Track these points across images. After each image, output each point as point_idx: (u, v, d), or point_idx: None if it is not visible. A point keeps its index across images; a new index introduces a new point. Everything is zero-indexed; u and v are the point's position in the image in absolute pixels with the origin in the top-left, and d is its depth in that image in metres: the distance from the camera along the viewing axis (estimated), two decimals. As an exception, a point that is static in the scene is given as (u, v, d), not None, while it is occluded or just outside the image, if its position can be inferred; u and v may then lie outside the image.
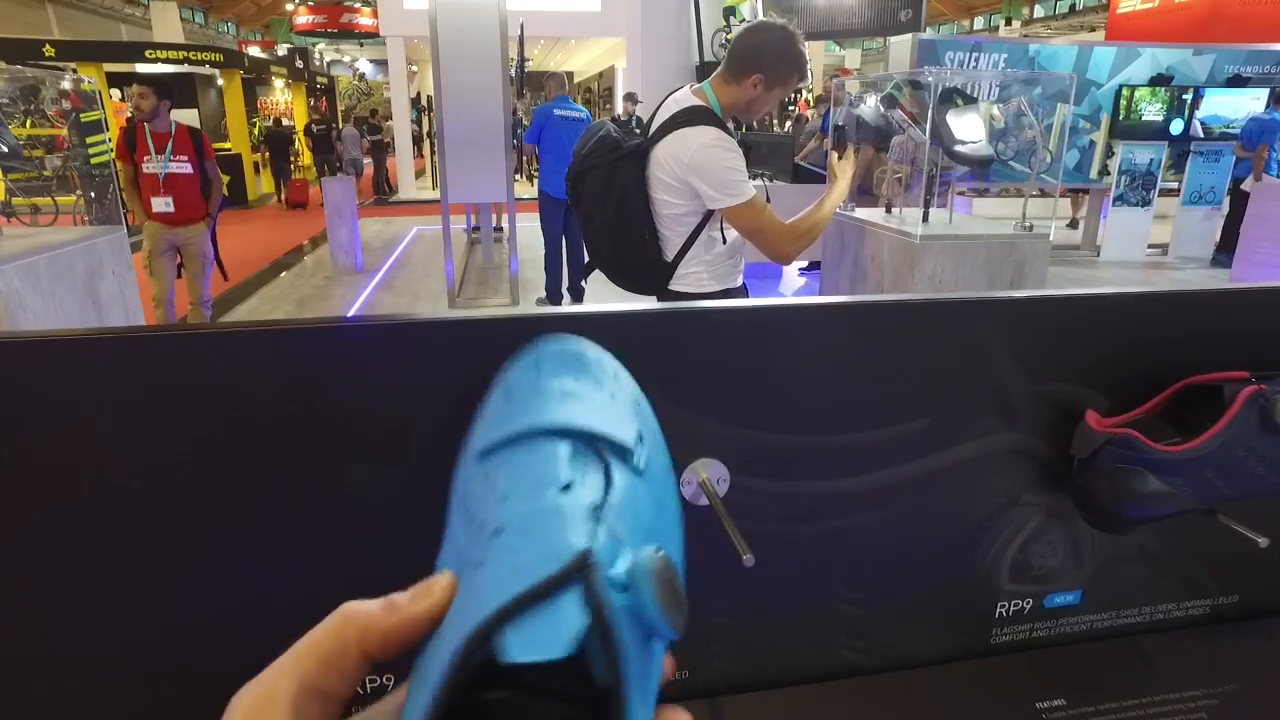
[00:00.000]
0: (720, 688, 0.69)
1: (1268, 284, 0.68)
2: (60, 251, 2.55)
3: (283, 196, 14.26)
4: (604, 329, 0.55)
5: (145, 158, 4.44)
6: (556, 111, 6.31)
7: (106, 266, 2.79)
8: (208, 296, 5.12)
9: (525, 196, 7.11)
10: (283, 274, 8.49)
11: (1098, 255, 9.15)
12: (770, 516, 0.64)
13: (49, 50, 12.93)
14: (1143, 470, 0.61)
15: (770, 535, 0.64)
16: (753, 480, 0.63)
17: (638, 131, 2.42)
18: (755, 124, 10.99)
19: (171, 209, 4.45)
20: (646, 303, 0.55)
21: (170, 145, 4.46)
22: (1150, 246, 9.09)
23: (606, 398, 0.33)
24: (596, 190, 2.31)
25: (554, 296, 6.87)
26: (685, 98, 2.30)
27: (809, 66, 2.27)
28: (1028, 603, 0.73)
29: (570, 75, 26.68)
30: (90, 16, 21.49)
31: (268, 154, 15.49)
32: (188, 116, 17.91)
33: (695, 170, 2.16)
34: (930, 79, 2.65)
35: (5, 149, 3.28)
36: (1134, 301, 0.65)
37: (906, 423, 0.64)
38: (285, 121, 17.93)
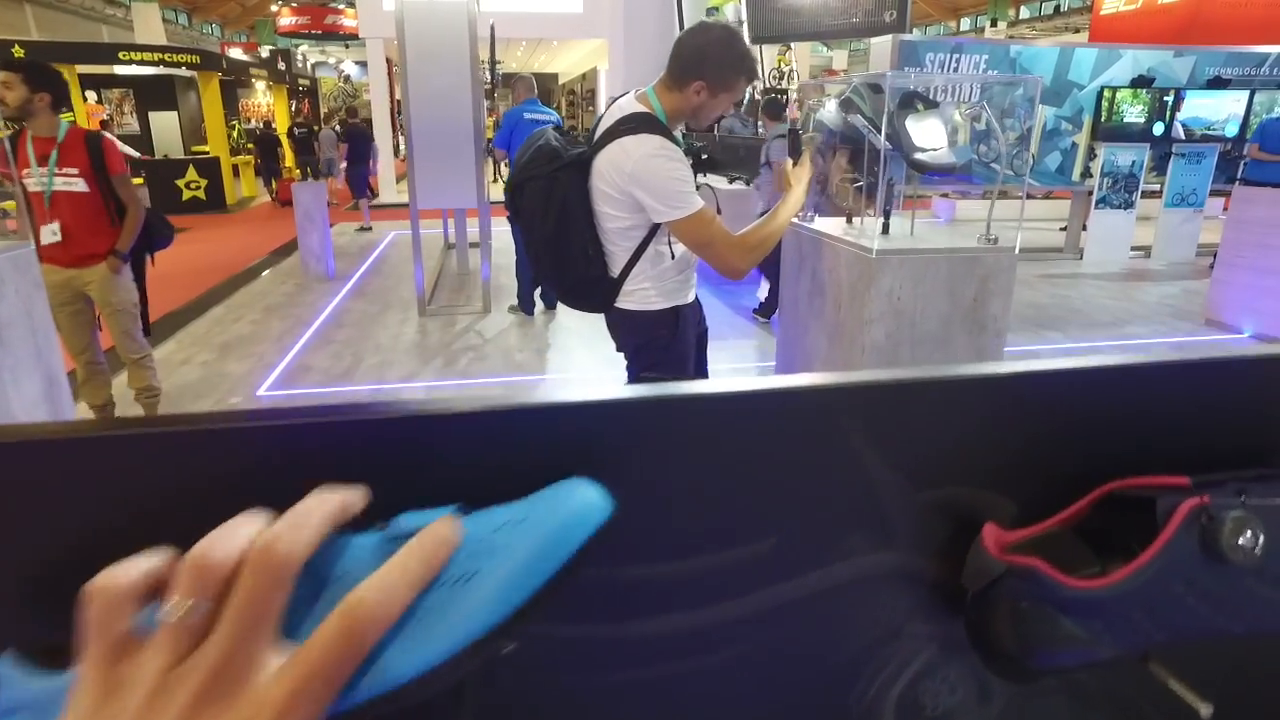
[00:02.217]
0: None
1: (1218, 353, 0.53)
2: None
3: (274, 196, 15.10)
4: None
5: (25, 171, 3.35)
6: (526, 115, 6.17)
7: (7, 285, 2.58)
8: (155, 380, 3.93)
9: (498, 201, 6.96)
10: (252, 281, 8.30)
11: (1080, 259, 9.06)
12: (571, 665, 0.49)
13: (19, 51, 12.66)
14: (1052, 610, 0.47)
15: (574, 689, 0.49)
16: (549, 623, 0.47)
17: (581, 141, 2.29)
18: (741, 124, 10.88)
19: (58, 238, 3.39)
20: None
21: (55, 154, 3.38)
22: (1134, 249, 9.01)
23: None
24: (536, 202, 2.17)
25: (525, 304, 6.72)
26: (629, 104, 2.17)
27: (757, 67, 2.23)
28: (924, 750, 0.58)
29: (555, 77, 26.53)
30: (70, 17, 21.23)
31: (258, 156, 15.88)
32: (167, 119, 17.74)
33: (637, 181, 2.04)
34: (887, 83, 2.50)
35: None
36: (1049, 378, 0.50)
37: (752, 542, 0.49)
38: (274, 124, 17.92)
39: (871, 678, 0.54)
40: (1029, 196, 8.52)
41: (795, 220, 3.60)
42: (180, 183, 13.80)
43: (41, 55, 13.62)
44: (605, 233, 2.18)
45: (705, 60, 2.05)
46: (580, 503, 0.37)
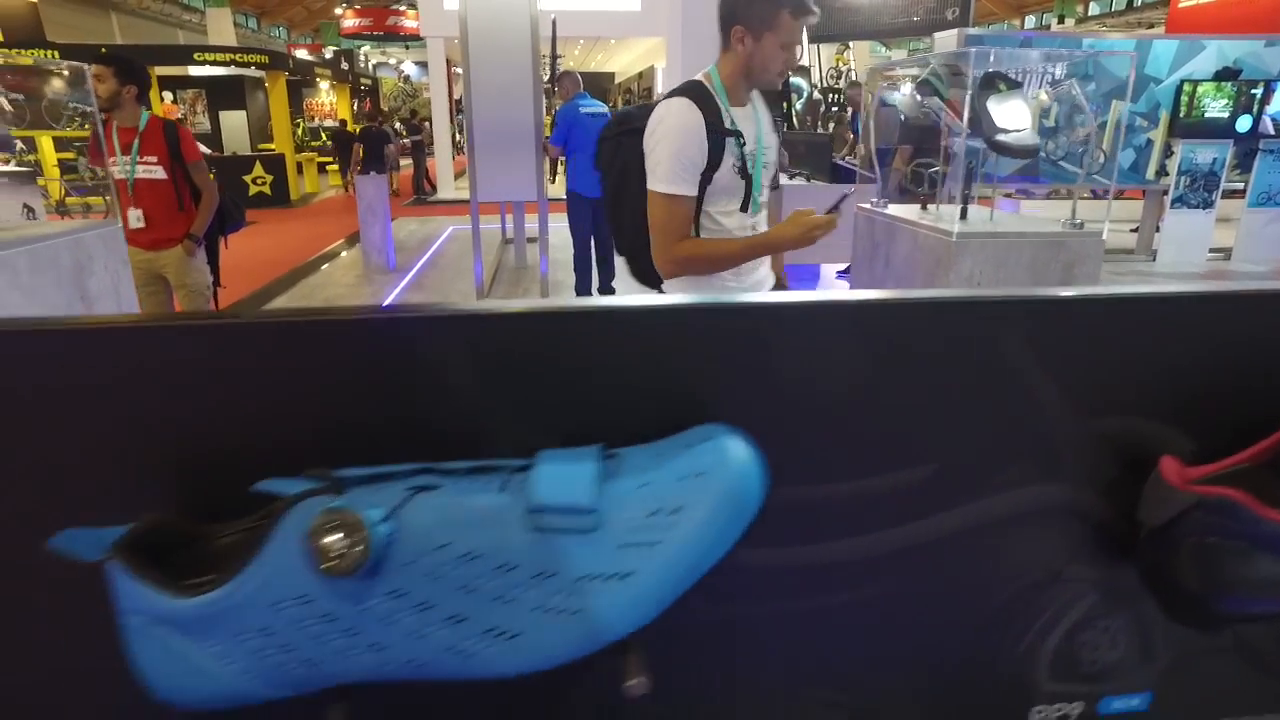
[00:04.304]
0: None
1: None
2: (39, 245, 2.45)
3: (348, 188, 15.63)
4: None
5: (112, 159, 3.49)
6: (582, 109, 6.18)
7: (97, 261, 2.68)
8: None
9: (557, 197, 7.00)
10: (315, 273, 8.52)
11: (1154, 260, 8.69)
12: (727, 593, 0.46)
13: (104, 53, 13.24)
14: (1248, 547, 0.43)
15: (728, 618, 0.47)
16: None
17: None
18: (796, 123, 10.73)
19: (142, 224, 3.53)
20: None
21: (138, 143, 3.49)
22: (1212, 251, 8.60)
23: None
24: (602, 163, 2.13)
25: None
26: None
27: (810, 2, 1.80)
28: (1075, 707, 0.54)
29: (611, 76, 26.64)
30: (150, 23, 22.19)
31: (336, 152, 16.55)
32: (236, 118, 18.36)
33: (647, 141, 1.84)
34: (969, 63, 2.41)
35: (-4, 137, 3.21)
36: (1238, 302, 0.46)
37: (910, 468, 0.46)
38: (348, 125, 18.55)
39: (1027, 624, 0.51)
40: (1096, 196, 8.19)
41: (870, 205, 3.53)
42: (247, 178, 14.26)
43: (99, 59, 14.25)
44: None
45: (737, 2, 1.79)
46: (741, 494, 0.35)
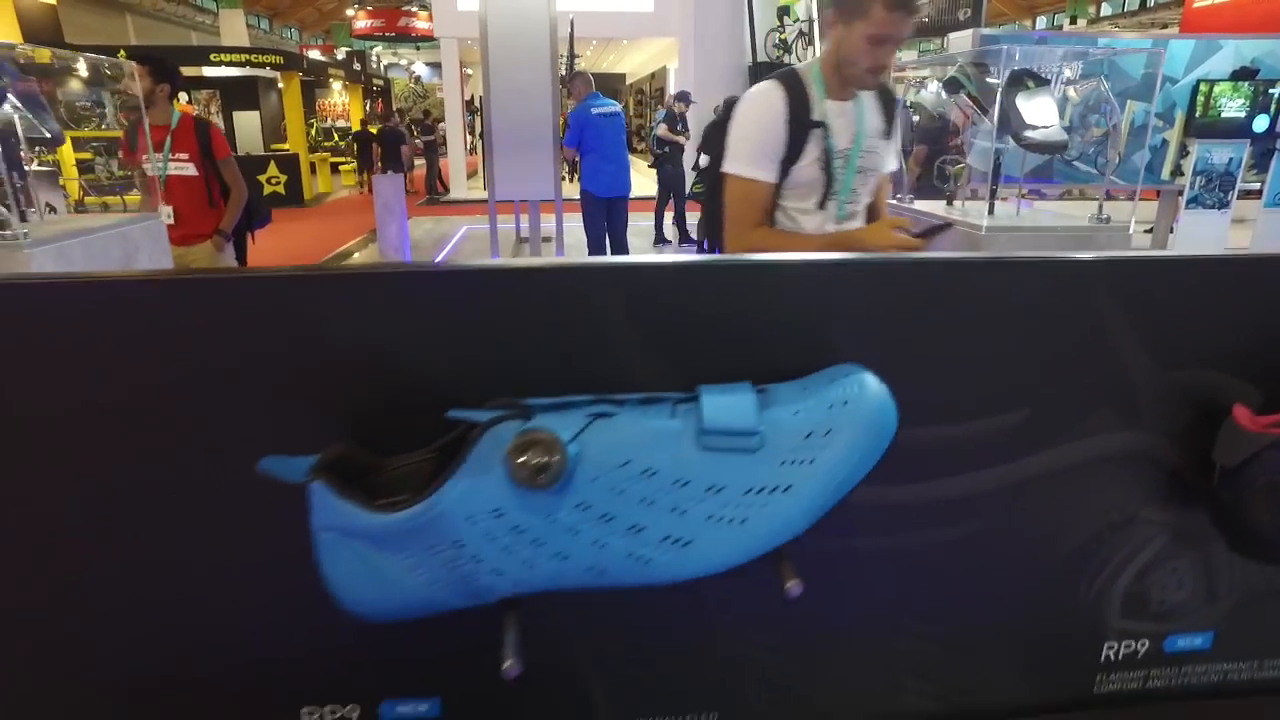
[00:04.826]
0: (756, 737, 0.56)
1: None
2: (95, 236, 2.53)
3: (366, 188, 15.83)
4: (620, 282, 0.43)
5: (144, 156, 3.54)
6: (594, 110, 6.23)
7: (143, 252, 2.75)
8: None
9: (570, 197, 7.05)
10: (333, 271, 8.58)
11: (1170, 260, 8.67)
12: (822, 529, 0.51)
13: (122, 55, 13.38)
14: (1318, 484, 0.47)
15: (822, 553, 0.51)
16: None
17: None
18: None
19: (172, 220, 3.56)
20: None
21: (170, 140, 3.53)
22: (1227, 251, 8.58)
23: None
24: (711, 150, 2.13)
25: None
26: None
27: None
28: (1143, 645, 0.59)
29: (622, 77, 26.64)
30: (164, 25, 22.38)
31: (355, 152, 16.72)
32: (249, 118, 18.49)
33: (730, 123, 1.74)
34: (1000, 61, 2.45)
35: (48, 134, 3.30)
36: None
37: (997, 415, 0.51)
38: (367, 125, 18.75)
39: (1103, 564, 0.55)
40: (1109, 196, 8.17)
41: (894, 200, 3.57)
42: (262, 178, 14.38)
43: (141, 60, 14.39)
44: None
45: None
46: (881, 421, 0.40)
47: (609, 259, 0.45)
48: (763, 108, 1.65)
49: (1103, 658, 0.59)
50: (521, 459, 0.36)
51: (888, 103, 1.77)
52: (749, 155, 1.66)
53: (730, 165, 1.68)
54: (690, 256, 0.47)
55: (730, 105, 1.94)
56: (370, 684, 0.53)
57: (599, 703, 0.55)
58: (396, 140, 13.12)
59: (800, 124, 1.64)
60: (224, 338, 0.44)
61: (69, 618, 0.48)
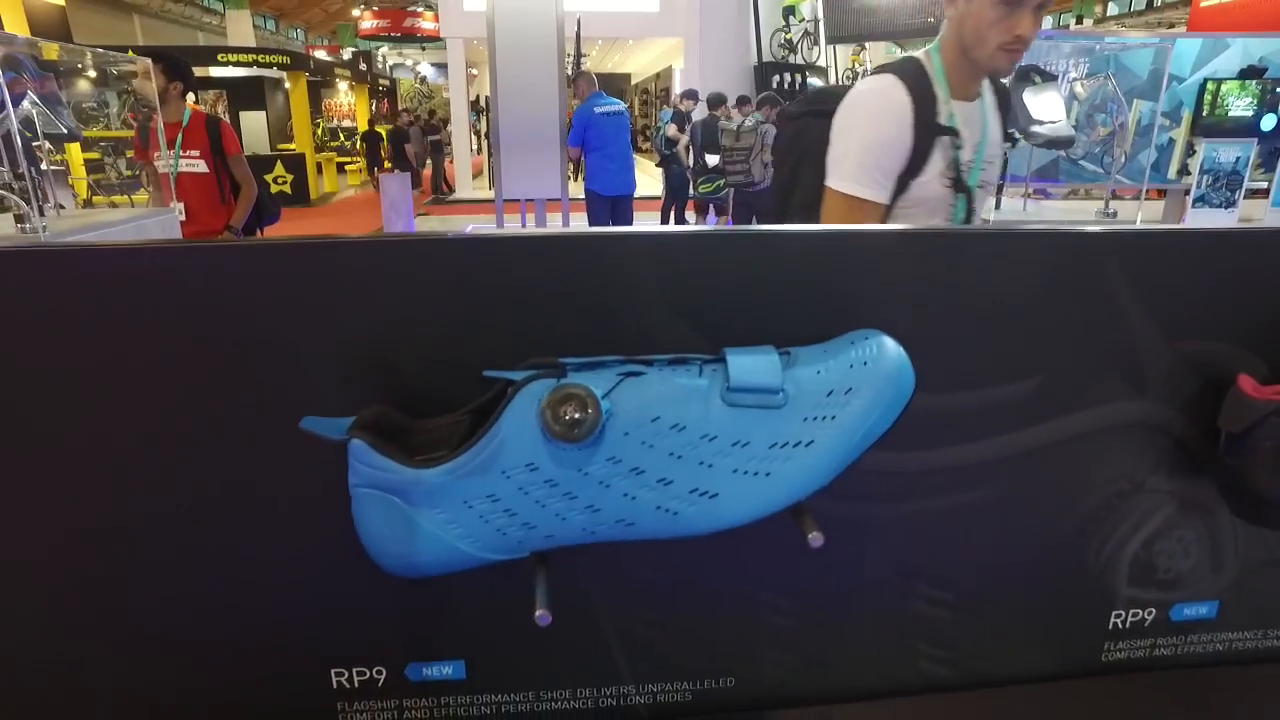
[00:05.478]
0: (771, 700, 0.58)
1: None
2: (110, 230, 2.57)
3: (375, 185, 16.53)
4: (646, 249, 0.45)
5: (155, 154, 3.57)
6: (597, 109, 6.26)
7: (157, 247, 2.81)
8: None
9: (575, 197, 7.08)
10: (340, 269, 8.63)
11: (1177, 259, 8.65)
12: (837, 493, 0.53)
13: (131, 55, 13.46)
14: (1319, 448, 0.48)
15: (835, 516, 0.53)
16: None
17: None
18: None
19: (184, 217, 3.58)
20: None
21: (181, 138, 3.56)
22: (1235, 251, 8.56)
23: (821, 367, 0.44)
24: (781, 146, 1.69)
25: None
26: None
27: None
28: (1150, 613, 0.60)
29: (628, 77, 26.66)
30: (171, 25, 22.49)
31: (365, 151, 16.78)
32: (255, 118, 18.57)
33: (836, 123, 1.41)
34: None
35: (65, 130, 3.34)
36: (1307, 238, 0.52)
37: (1010, 383, 0.52)
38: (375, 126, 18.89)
39: (1111, 532, 0.57)
40: (1116, 197, 8.16)
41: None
42: (269, 177, 14.45)
43: (150, 57, 14.48)
44: None
45: None
46: (900, 381, 0.41)
47: (636, 228, 0.46)
48: (882, 109, 1.32)
49: (1110, 626, 0.60)
50: (557, 413, 0.38)
51: (1004, 102, 1.47)
52: (862, 169, 1.32)
53: (835, 179, 1.35)
54: (714, 228, 0.48)
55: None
56: (397, 646, 0.55)
57: (618, 666, 0.56)
58: (404, 140, 13.24)
59: (927, 130, 1.31)
60: (264, 306, 0.46)
61: (101, 577, 0.50)
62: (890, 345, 0.42)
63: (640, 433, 0.39)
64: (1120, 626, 0.60)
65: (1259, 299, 0.53)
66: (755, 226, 0.47)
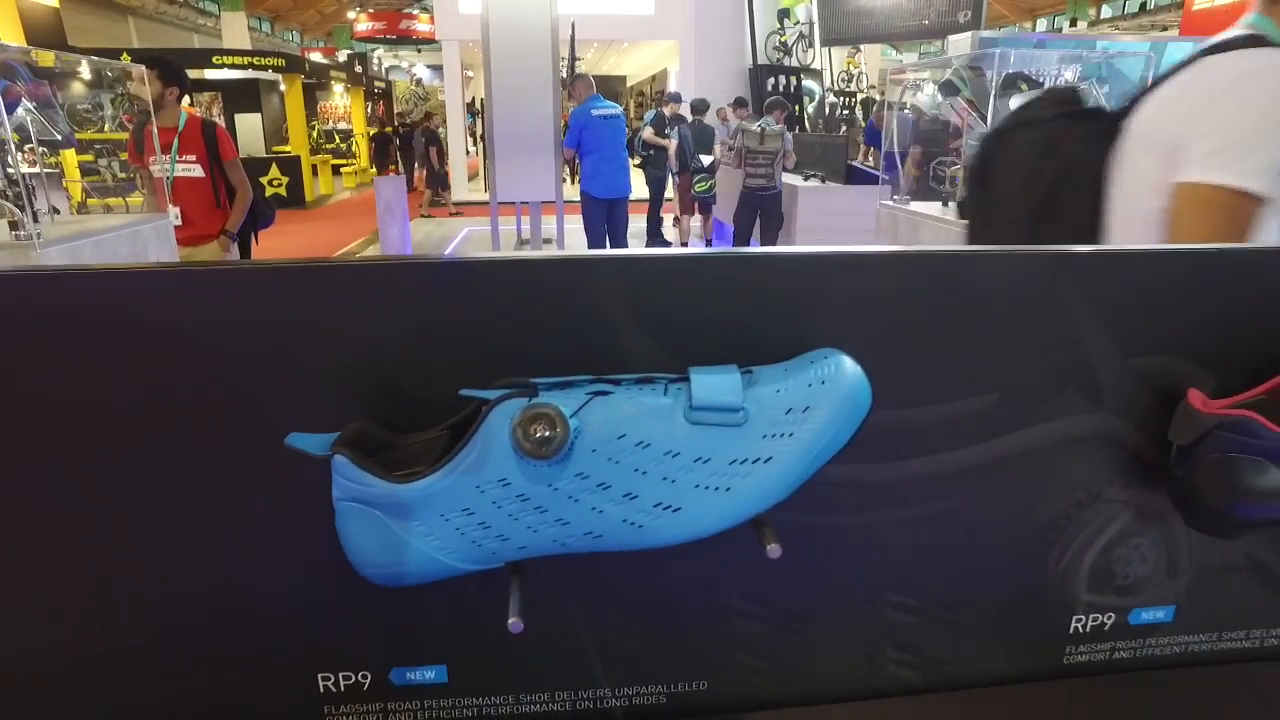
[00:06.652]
0: (742, 703, 0.60)
1: None
2: (105, 236, 2.58)
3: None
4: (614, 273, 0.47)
5: (151, 158, 3.60)
6: (594, 112, 6.28)
7: (151, 252, 2.80)
8: None
9: (571, 199, 7.10)
10: (335, 272, 8.62)
11: (1169, 262, 8.70)
12: (807, 504, 0.55)
13: (125, 58, 13.45)
14: (1261, 460, 0.51)
15: (805, 526, 0.55)
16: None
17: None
18: (808, 126, 10.73)
19: (179, 222, 3.60)
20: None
21: (177, 143, 3.58)
22: (1226, 253, 8.61)
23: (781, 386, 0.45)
24: (1022, 159, 1.33)
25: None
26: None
27: None
28: (1109, 618, 0.63)
29: (623, 80, 26.71)
30: (166, 27, 22.46)
31: (373, 153, 16.84)
32: (251, 120, 18.55)
33: (1212, 103, 1.12)
34: (993, 64, 2.49)
35: (60, 136, 3.36)
36: (1251, 259, 0.54)
37: (971, 398, 0.54)
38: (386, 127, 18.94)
39: (1070, 540, 0.59)
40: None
41: (890, 202, 3.63)
42: (264, 180, 14.45)
43: (143, 62, 14.46)
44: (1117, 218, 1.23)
45: None
46: (856, 398, 0.43)
47: (608, 251, 0.48)
48: None
49: (1072, 630, 0.62)
50: (528, 431, 0.40)
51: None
52: (1259, 160, 1.06)
53: (1236, 176, 1.06)
54: (682, 250, 0.50)
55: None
56: (381, 651, 0.57)
57: (594, 670, 0.58)
58: (433, 140, 13.35)
59: None
60: (252, 325, 0.48)
61: (86, 583, 0.52)
62: (848, 364, 0.44)
63: (607, 449, 0.41)
64: (1081, 631, 0.62)
65: (1208, 316, 0.55)
66: (722, 249, 0.49)
